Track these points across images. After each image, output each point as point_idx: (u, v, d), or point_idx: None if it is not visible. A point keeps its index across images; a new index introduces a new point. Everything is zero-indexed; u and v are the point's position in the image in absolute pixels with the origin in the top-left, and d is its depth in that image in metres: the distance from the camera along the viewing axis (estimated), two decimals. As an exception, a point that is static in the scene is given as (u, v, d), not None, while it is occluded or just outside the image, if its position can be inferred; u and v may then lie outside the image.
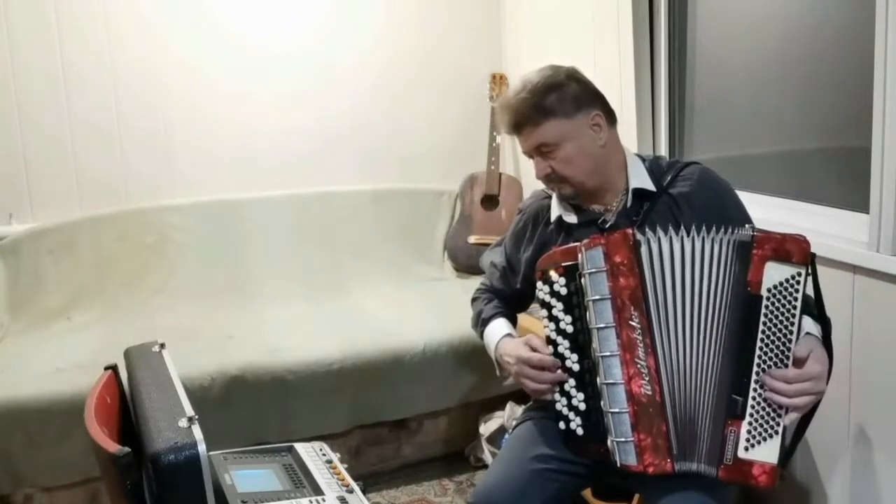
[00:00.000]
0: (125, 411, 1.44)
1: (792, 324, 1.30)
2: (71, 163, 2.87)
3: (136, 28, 2.88)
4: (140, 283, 2.83)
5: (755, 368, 1.31)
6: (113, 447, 1.13)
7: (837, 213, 1.87)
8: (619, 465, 1.37)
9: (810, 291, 1.40)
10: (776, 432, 1.30)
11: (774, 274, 1.30)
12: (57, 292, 2.75)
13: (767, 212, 2.05)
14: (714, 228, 1.36)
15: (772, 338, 1.31)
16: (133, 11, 2.87)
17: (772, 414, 1.31)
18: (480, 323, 1.76)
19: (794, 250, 1.30)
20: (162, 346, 1.53)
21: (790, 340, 1.31)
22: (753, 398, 1.31)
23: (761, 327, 1.31)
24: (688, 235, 1.37)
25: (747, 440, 1.31)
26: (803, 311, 1.32)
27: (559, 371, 1.46)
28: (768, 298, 1.31)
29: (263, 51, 3.05)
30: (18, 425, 2.10)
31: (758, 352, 1.31)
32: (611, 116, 1.59)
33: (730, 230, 1.36)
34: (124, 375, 1.48)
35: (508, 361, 1.59)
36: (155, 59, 2.92)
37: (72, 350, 2.39)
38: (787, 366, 1.31)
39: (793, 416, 1.31)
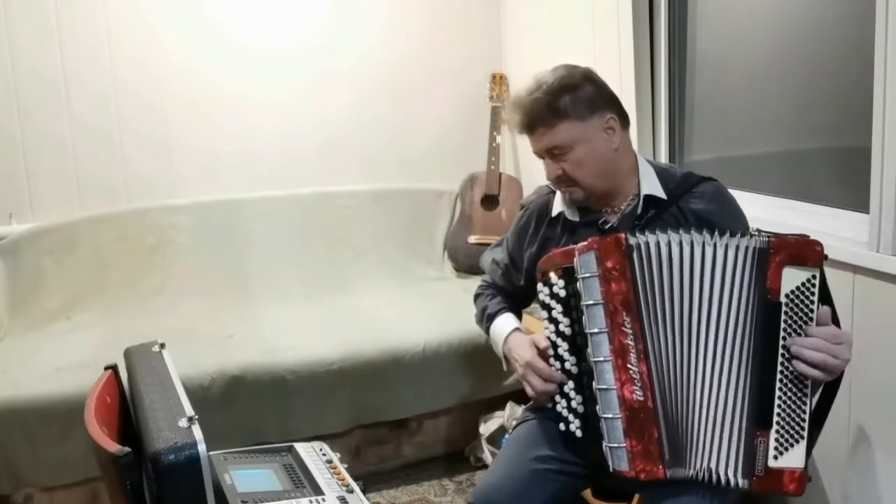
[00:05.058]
0: (125, 411, 1.44)
1: (809, 325, 1.30)
2: (71, 163, 2.87)
3: (136, 28, 2.88)
4: (140, 283, 2.83)
5: (778, 375, 1.30)
6: (113, 447, 1.13)
7: (837, 213, 1.87)
8: (612, 470, 1.37)
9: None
10: (802, 437, 1.30)
11: (791, 279, 1.29)
12: (57, 292, 2.75)
13: (767, 212, 2.05)
14: (718, 234, 1.34)
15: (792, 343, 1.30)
16: (133, 12, 2.87)
17: (797, 419, 1.30)
18: (486, 318, 1.75)
19: (809, 254, 1.29)
20: (162, 346, 1.53)
21: None
22: (779, 405, 1.30)
23: (782, 334, 1.30)
24: (686, 240, 1.35)
25: (776, 448, 1.30)
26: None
27: (562, 381, 1.46)
28: (787, 304, 1.30)
29: (264, 51, 3.05)
30: (18, 425, 2.10)
31: (780, 359, 1.30)
32: (624, 119, 1.57)
33: (739, 235, 1.34)
34: (124, 375, 1.48)
35: (516, 360, 1.58)
36: (155, 59, 2.92)
37: (72, 350, 2.39)
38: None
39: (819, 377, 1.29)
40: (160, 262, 2.87)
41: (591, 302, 1.37)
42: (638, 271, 1.36)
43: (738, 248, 1.33)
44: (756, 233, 1.34)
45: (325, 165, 3.19)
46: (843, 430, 1.76)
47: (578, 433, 1.44)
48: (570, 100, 1.50)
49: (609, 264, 1.36)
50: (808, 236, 1.31)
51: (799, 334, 1.30)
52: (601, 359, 1.36)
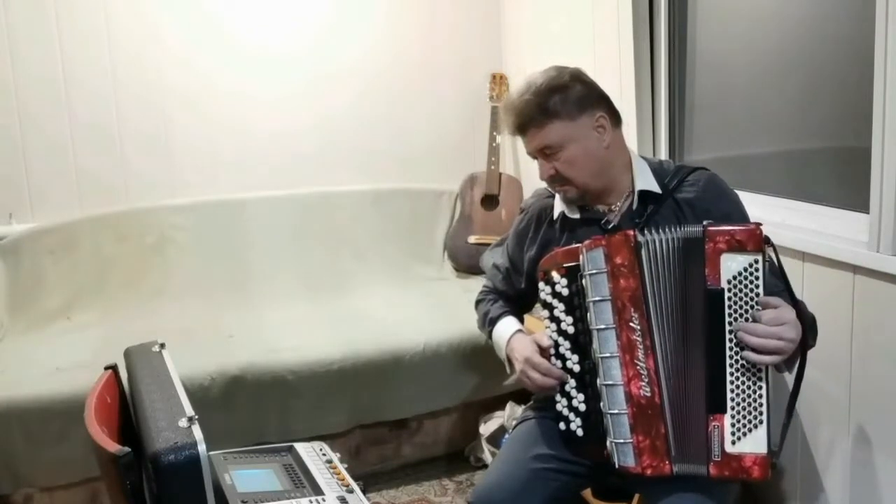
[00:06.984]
0: (125, 411, 1.44)
1: (755, 310, 1.31)
2: (71, 163, 2.87)
3: (137, 28, 2.88)
4: (140, 283, 2.83)
5: (728, 360, 1.32)
6: (113, 447, 1.13)
7: (837, 213, 1.87)
8: (617, 466, 1.37)
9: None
10: (760, 422, 1.30)
11: (732, 265, 1.31)
12: (57, 292, 2.75)
13: (767, 212, 2.05)
14: (675, 227, 1.37)
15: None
16: (133, 11, 2.87)
17: (753, 404, 1.31)
18: (488, 323, 1.76)
19: (746, 239, 1.30)
20: (162, 346, 1.53)
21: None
22: (732, 390, 1.32)
23: (728, 318, 1.32)
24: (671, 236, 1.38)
25: (733, 433, 1.31)
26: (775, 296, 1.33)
27: (562, 376, 1.46)
28: (730, 290, 1.32)
29: (264, 51, 3.05)
30: (18, 425, 2.10)
31: (728, 343, 1.32)
32: (615, 117, 1.58)
33: (682, 227, 1.36)
34: (124, 375, 1.48)
35: (517, 358, 1.59)
36: (155, 59, 2.92)
37: (72, 350, 2.39)
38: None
39: (768, 360, 1.30)
40: (160, 262, 2.87)
41: (598, 298, 1.38)
42: (646, 268, 1.37)
43: (678, 239, 1.36)
44: (702, 223, 1.35)
45: (324, 165, 3.19)
46: (843, 430, 1.76)
47: (579, 432, 1.44)
48: (560, 100, 1.51)
49: (618, 261, 1.37)
50: (757, 223, 1.32)
51: (746, 319, 1.31)
52: (608, 354, 1.37)
